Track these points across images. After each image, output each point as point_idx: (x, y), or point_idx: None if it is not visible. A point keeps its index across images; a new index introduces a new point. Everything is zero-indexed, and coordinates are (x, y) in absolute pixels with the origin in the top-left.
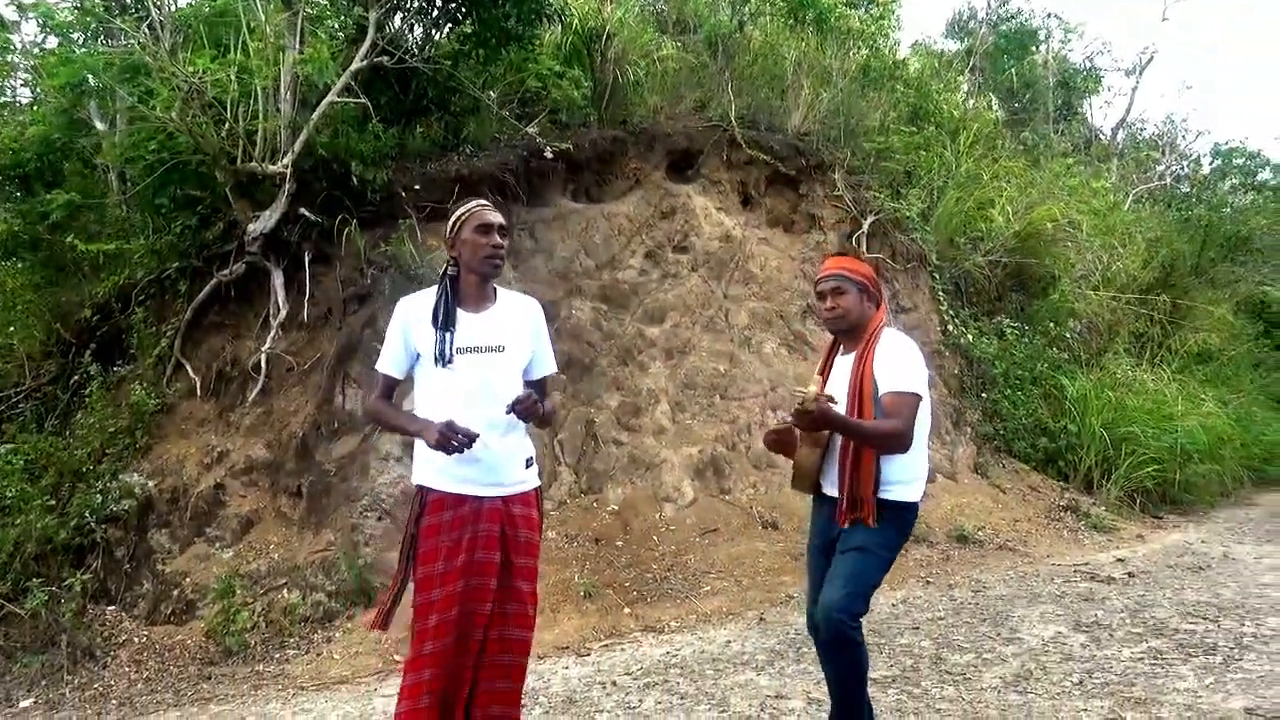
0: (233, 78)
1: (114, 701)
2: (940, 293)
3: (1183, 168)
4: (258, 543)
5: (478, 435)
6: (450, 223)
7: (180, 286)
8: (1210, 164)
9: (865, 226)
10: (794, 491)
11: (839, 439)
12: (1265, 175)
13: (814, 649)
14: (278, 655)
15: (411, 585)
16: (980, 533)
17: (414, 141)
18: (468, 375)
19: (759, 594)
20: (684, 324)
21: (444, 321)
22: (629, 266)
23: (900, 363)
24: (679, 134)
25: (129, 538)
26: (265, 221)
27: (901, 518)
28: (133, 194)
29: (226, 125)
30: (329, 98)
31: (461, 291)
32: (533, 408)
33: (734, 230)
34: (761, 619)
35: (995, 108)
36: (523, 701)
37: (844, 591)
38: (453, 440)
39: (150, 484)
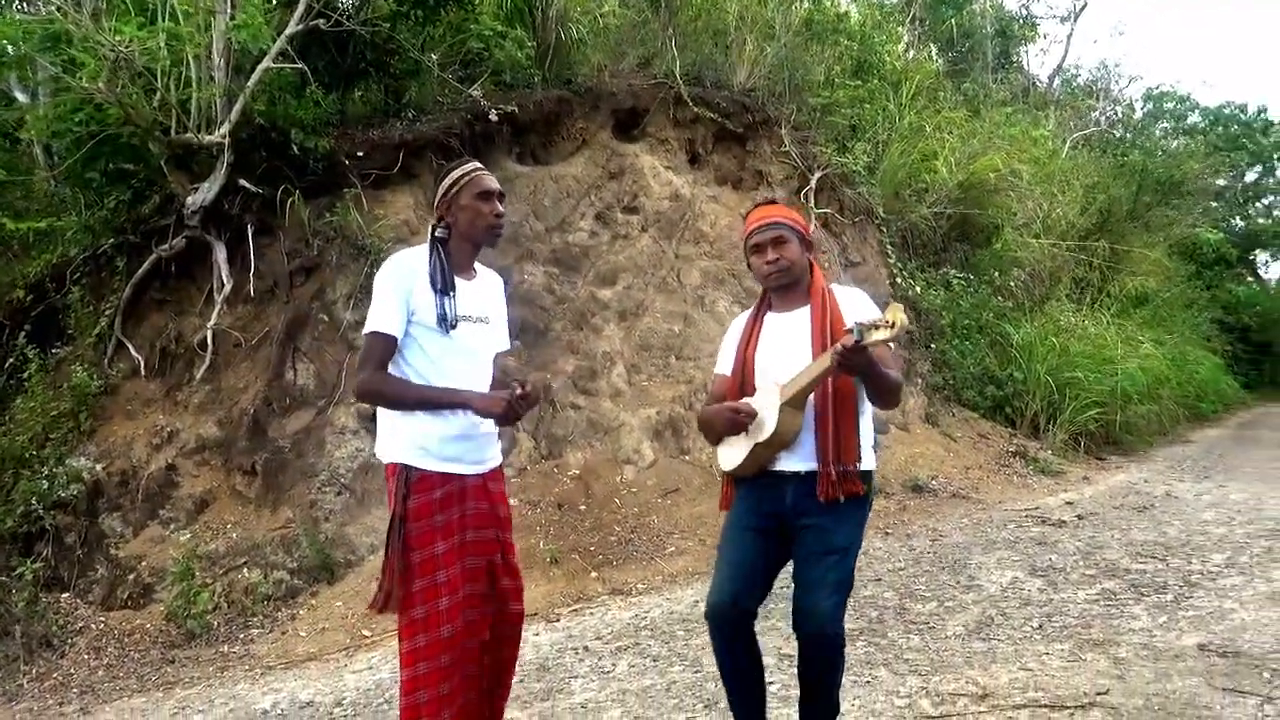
0: (162, 45)
1: (75, 690)
2: (888, 245)
3: (1116, 113)
4: (214, 523)
5: (539, 398)
6: (446, 184)
7: (117, 263)
8: (1143, 108)
9: (813, 182)
10: (725, 476)
11: (814, 402)
12: (1195, 119)
13: (780, 608)
14: (242, 635)
15: (402, 570)
16: (934, 482)
17: (354, 107)
18: (466, 344)
19: None
20: (636, 285)
21: (444, 285)
22: (579, 229)
23: (873, 313)
24: (624, 93)
25: (79, 523)
26: (204, 194)
27: (870, 489)
28: (61, 169)
29: (158, 95)
30: (264, 64)
31: (451, 256)
32: (535, 403)
33: (683, 189)
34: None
35: (935, 58)
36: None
37: (835, 600)
38: (517, 405)
39: (98, 467)
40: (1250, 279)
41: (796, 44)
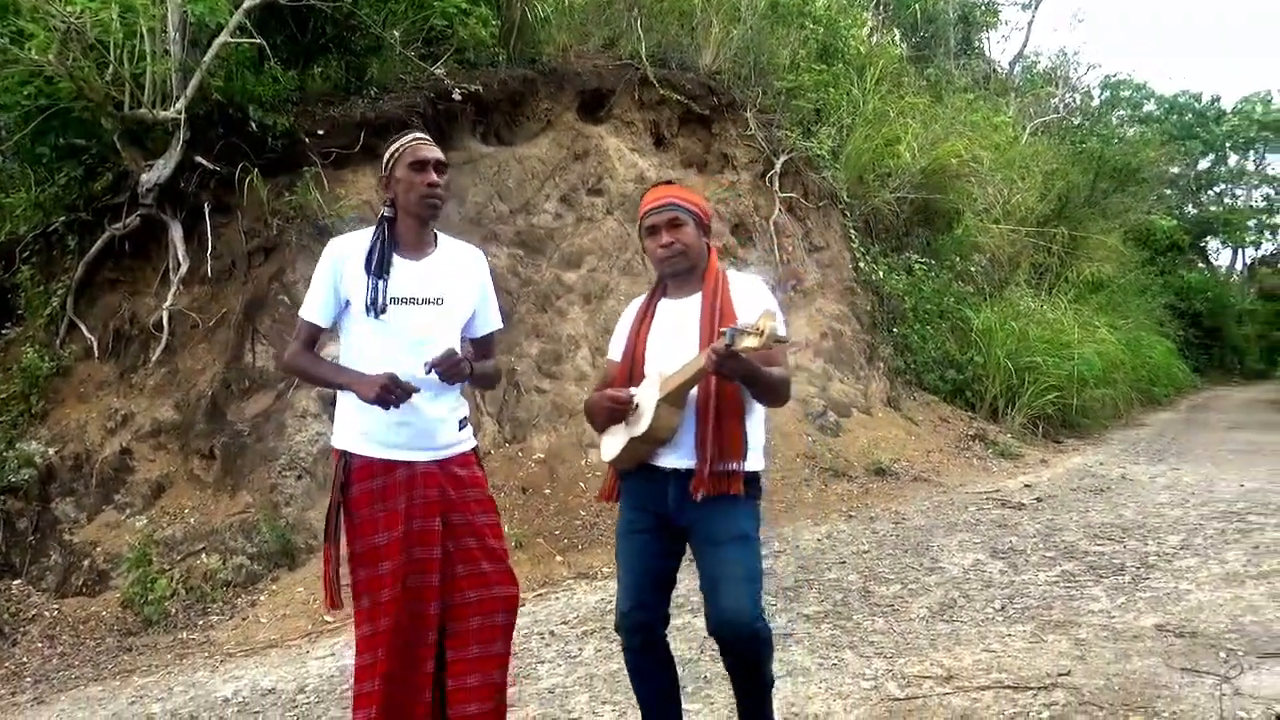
0: (115, 17)
1: (29, 679)
2: (851, 230)
3: (1075, 101)
4: (171, 507)
5: (418, 389)
6: (384, 159)
7: (69, 242)
8: (1100, 96)
9: (778, 165)
10: (611, 466)
11: (696, 397)
12: (1150, 107)
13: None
14: (201, 622)
15: (347, 559)
16: (896, 465)
17: (314, 84)
18: (401, 328)
19: None
20: (601, 268)
21: (378, 267)
22: (544, 211)
23: (766, 304)
24: (589, 73)
25: (31, 508)
26: (159, 171)
27: (760, 490)
28: (9, 143)
29: (111, 69)
30: (221, 38)
31: (399, 236)
32: (455, 368)
33: (648, 171)
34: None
35: (899, 44)
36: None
37: (751, 591)
38: (393, 394)
39: (50, 451)
40: (1201, 265)
41: (762, 27)
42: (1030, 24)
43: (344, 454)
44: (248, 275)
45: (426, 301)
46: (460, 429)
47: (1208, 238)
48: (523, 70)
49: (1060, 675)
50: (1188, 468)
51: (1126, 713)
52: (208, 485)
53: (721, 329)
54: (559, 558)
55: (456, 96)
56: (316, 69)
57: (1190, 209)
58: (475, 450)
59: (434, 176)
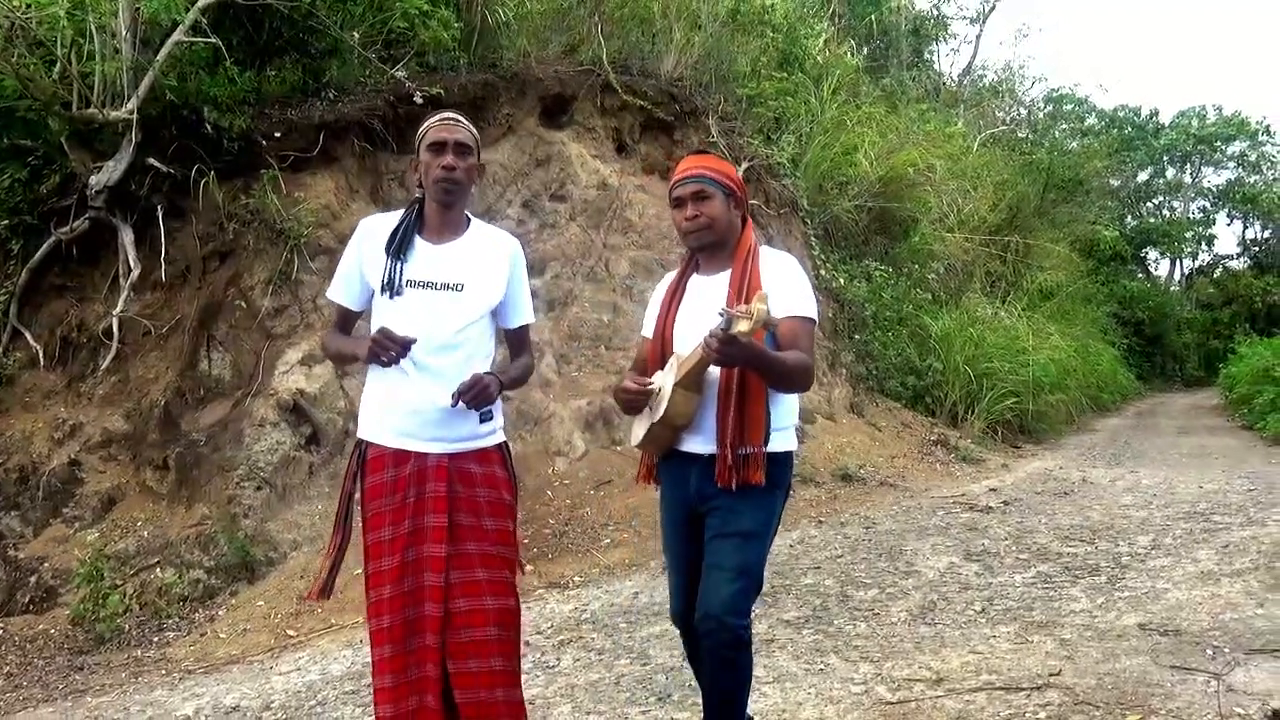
0: (63, 14)
1: None
2: (812, 237)
3: (1021, 113)
4: (123, 520)
5: (414, 340)
6: (416, 142)
7: (12, 245)
8: (1044, 109)
9: (740, 172)
10: (641, 449)
11: (717, 382)
12: (1092, 120)
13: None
14: (156, 639)
15: (362, 552)
16: (862, 470)
17: (271, 86)
18: (417, 313)
19: (658, 543)
20: (565, 274)
21: (397, 248)
22: (506, 216)
23: (797, 284)
24: (551, 79)
25: None
26: (109, 173)
27: (786, 474)
28: None
29: (59, 66)
30: (175, 36)
31: (426, 219)
32: (483, 393)
33: (610, 178)
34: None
35: (855, 54)
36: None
37: (735, 587)
38: (387, 347)
39: None
40: (1142, 275)
41: (723, 34)
42: (978, 38)
43: (360, 442)
44: (202, 280)
45: (445, 287)
46: (483, 422)
47: (1148, 248)
48: (484, 75)
49: (1051, 675)
50: (1145, 470)
51: (1123, 711)
52: (161, 497)
53: (719, 311)
54: (529, 567)
55: (417, 100)
56: (273, 70)
57: (1130, 220)
58: (501, 447)
59: (450, 159)
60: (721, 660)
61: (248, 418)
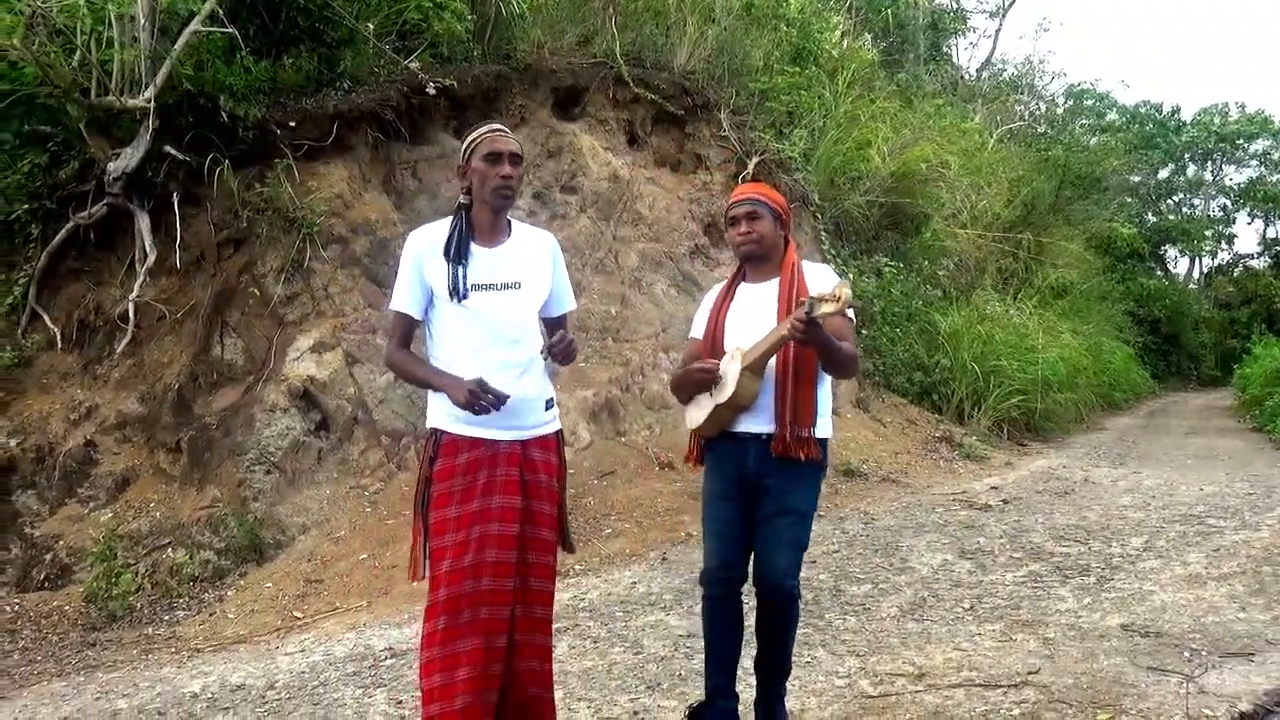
0: (83, 3)
1: None
2: (822, 232)
3: (1040, 109)
4: (136, 501)
5: (509, 397)
6: (463, 148)
7: (32, 230)
8: (1064, 105)
9: (750, 167)
10: (694, 433)
11: (775, 369)
12: (1113, 116)
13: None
14: (167, 617)
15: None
16: (865, 466)
17: (286, 75)
18: (483, 313)
19: (659, 534)
20: (574, 266)
21: (457, 254)
22: (517, 207)
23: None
24: (564, 71)
25: None
26: (127, 160)
27: (826, 456)
28: None
29: (78, 54)
30: (192, 26)
31: (474, 224)
32: (569, 349)
33: (621, 170)
34: (664, 559)
35: (870, 48)
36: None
37: (793, 558)
38: (482, 400)
39: (11, 443)
40: (1160, 273)
41: (736, 28)
42: (998, 32)
43: (434, 431)
44: (216, 267)
45: (505, 287)
46: (546, 409)
47: (1166, 246)
48: (497, 66)
49: (1030, 673)
50: (1149, 471)
51: (1095, 710)
52: (174, 479)
53: (801, 299)
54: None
55: (430, 91)
56: (288, 60)
57: (1150, 217)
58: (558, 434)
59: (508, 169)
60: (779, 613)
61: (259, 403)
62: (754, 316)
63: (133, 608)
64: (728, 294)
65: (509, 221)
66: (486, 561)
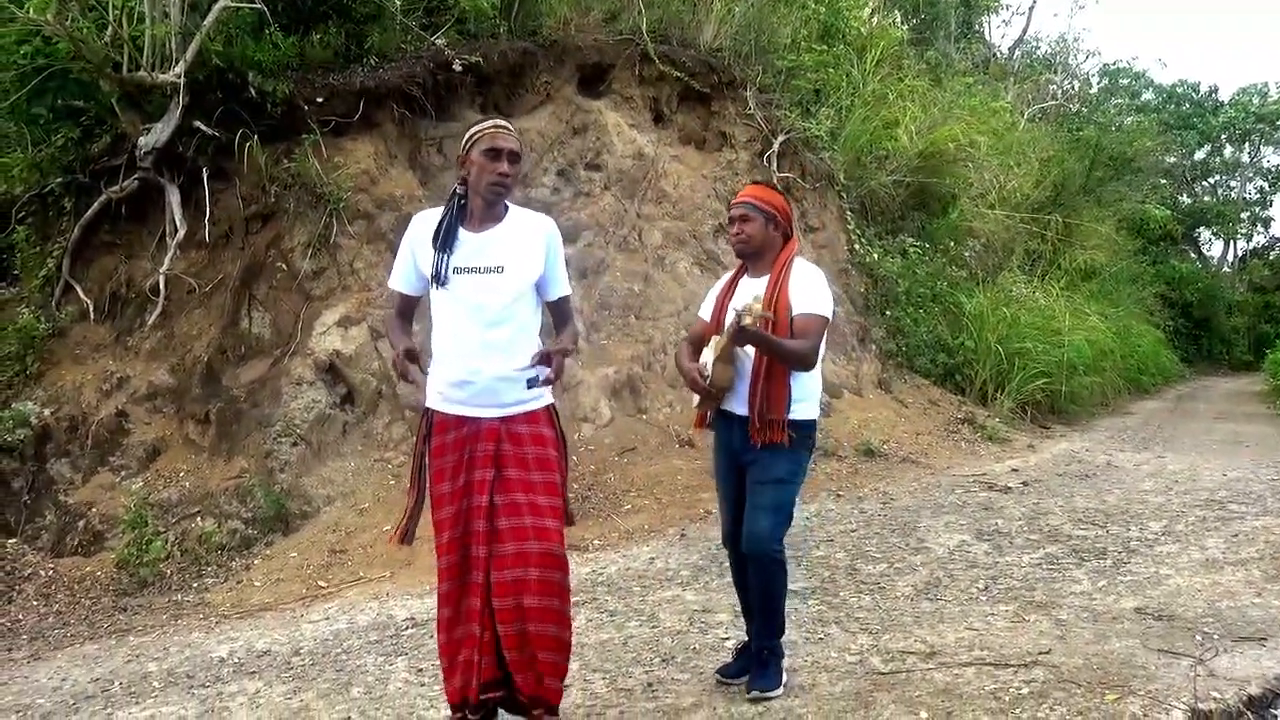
0: None
1: (25, 636)
2: (847, 212)
3: (1073, 87)
4: (166, 471)
5: (414, 368)
6: (464, 139)
7: (65, 203)
8: (1098, 84)
9: (776, 145)
10: (700, 410)
11: (750, 358)
12: (1149, 96)
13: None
14: (195, 584)
15: (429, 503)
16: (885, 446)
17: (314, 51)
18: (463, 296)
19: (678, 511)
20: (598, 243)
21: (442, 241)
22: (541, 184)
23: (812, 288)
24: (589, 47)
25: (26, 468)
26: (157, 135)
27: (808, 436)
28: (6, 104)
29: (109, 30)
30: (222, 2)
31: (469, 211)
32: (559, 370)
33: (646, 148)
34: (683, 535)
35: (900, 25)
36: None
37: (771, 522)
38: (398, 369)
39: (46, 412)
40: (1193, 256)
41: (764, 5)
42: (1031, 9)
43: (427, 410)
44: (245, 241)
45: (487, 270)
46: (529, 387)
47: (1200, 228)
48: (523, 43)
49: (1040, 654)
50: (1173, 456)
51: (1103, 690)
52: (203, 450)
53: (731, 306)
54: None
55: (456, 67)
56: (316, 36)
57: (1184, 199)
58: (550, 409)
59: (505, 167)
60: (763, 574)
61: (286, 376)
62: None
63: (162, 574)
64: (732, 283)
65: (506, 207)
66: (472, 530)
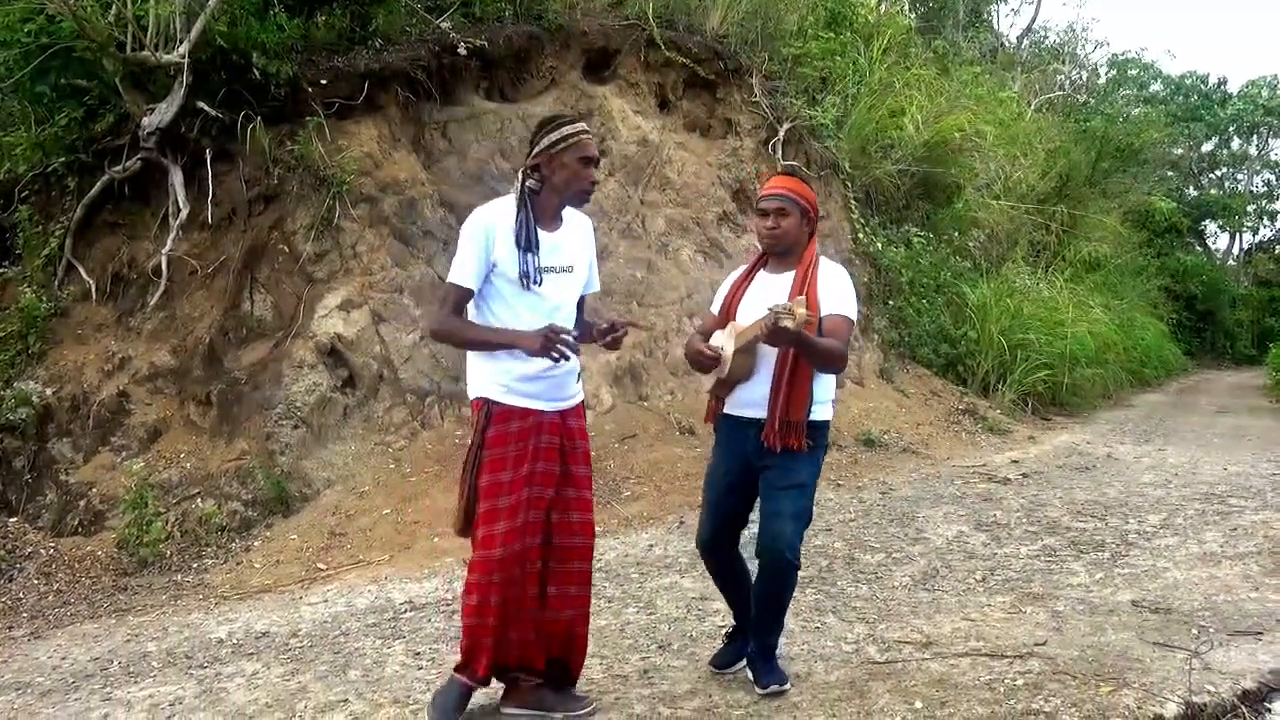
0: None
1: (25, 615)
2: (852, 201)
3: (1081, 78)
4: (167, 452)
5: (579, 336)
6: (553, 138)
7: (69, 183)
8: (1106, 74)
9: (781, 133)
10: (709, 395)
11: (772, 357)
12: (1157, 87)
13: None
14: (195, 565)
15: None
16: (886, 436)
17: (318, 33)
18: (550, 296)
19: (678, 498)
20: (601, 229)
21: (528, 242)
22: None
23: (843, 290)
24: (595, 32)
25: (27, 447)
26: (161, 115)
27: (825, 438)
28: (9, 82)
29: (114, 9)
30: None
31: (539, 209)
32: (619, 339)
33: (651, 134)
34: (681, 523)
35: (908, 13)
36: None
37: (793, 529)
38: (557, 344)
39: (48, 392)
40: (1199, 249)
41: None
42: None
43: (485, 401)
44: (248, 223)
45: (564, 270)
46: (576, 381)
47: (1206, 221)
48: (528, 27)
49: (1036, 645)
50: (1173, 449)
51: (1098, 682)
52: (204, 431)
53: (769, 305)
54: None
55: (461, 51)
56: (321, 18)
57: (1191, 192)
58: (584, 402)
59: (595, 174)
60: (779, 580)
61: (287, 358)
62: (763, 305)
63: (162, 555)
64: (747, 277)
65: None
66: (534, 521)
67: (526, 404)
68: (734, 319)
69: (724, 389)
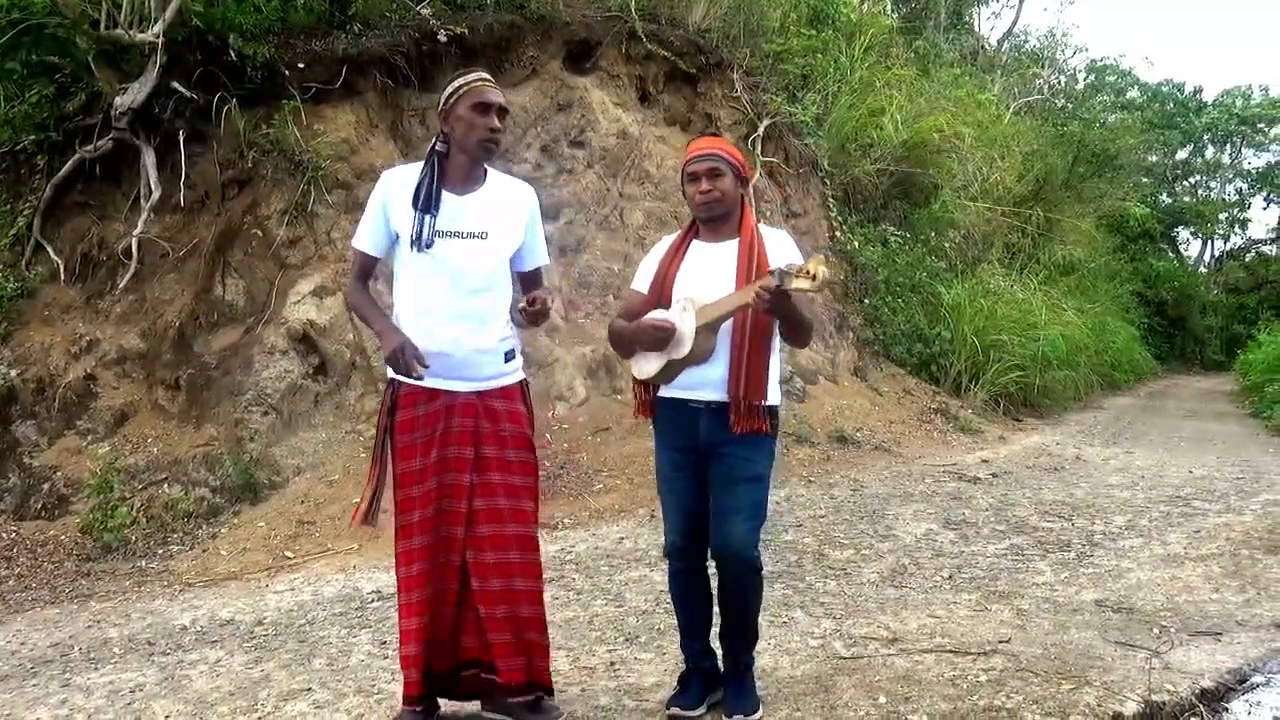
0: None
1: None
2: (830, 199)
3: (1060, 82)
4: (134, 436)
5: (428, 368)
6: (446, 93)
7: (38, 161)
8: (1085, 80)
9: (761, 129)
10: (644, 383)
11: (727, 335)
12: (1134, 94)
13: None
14: (160, 551)
15: (390, 480)
16: (858, 434)
17: (296, 16)
18: (447, 261)
19: (649, 492)
20: (579, 221)
21: (425, 202)
22: (524, 160)
23: (794, 254)
24: (577, 23)
25: None
26: (134, 95)
27: (778, 422)
28: None
29: None
30: None
31: (449, 170)
32: (542, 312)
33: (631, 127)
34: (652, 516)
35: (890, 13)
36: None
37: (751, 524)
38: (400, 362)
39: (12, 373)
40: (1171, 255)
41: None
42: (1021, 2)
43: (392, 381)
44: (221, 207)
45: (471, 235)
46: (507, 361)
47: (1179, 228)
48: (510, 15)
49: (1000, 643)
50: (1141, 452)
51: (1060, 680)
52: (172, 416)
53: (770, 269)
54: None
55: (441, 38)
56: (299, 0)
57: (1164, 198)
58: (523, 384)
59: (496, 121)
60: (742, 585)
61: (258, 344)
62: (708, 276)
63: (127, 540)
64: (679, 250)
65: (485, 170)
66: (450, 510)
67: (434, 384)
68: (669, 297)
69: (674, 371)
